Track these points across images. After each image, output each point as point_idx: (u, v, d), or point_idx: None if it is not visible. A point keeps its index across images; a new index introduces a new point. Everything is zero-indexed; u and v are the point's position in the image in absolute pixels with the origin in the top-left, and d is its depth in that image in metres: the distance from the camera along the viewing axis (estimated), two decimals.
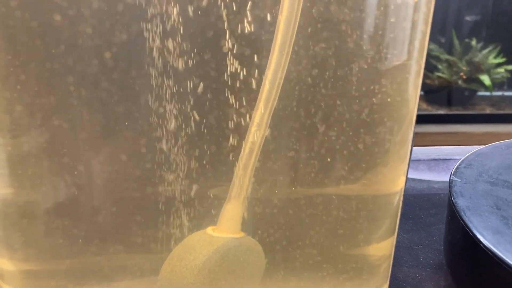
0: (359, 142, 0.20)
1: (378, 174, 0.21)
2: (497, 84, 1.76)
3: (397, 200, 0.22)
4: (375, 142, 0.20)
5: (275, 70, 0.18)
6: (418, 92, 0.21)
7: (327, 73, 0.19)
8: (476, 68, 1.65)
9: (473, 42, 1.68)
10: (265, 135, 0.19)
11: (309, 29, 0.18)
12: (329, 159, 0.19)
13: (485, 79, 1.63)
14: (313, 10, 0.18)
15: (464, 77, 1.67)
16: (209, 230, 0.19)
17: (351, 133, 0.20)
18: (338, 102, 0.19)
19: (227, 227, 0.19)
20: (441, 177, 0.44)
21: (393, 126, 0.20)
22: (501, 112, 1.74)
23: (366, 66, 0.19)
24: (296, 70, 0.19)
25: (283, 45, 0.18)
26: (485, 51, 1.67)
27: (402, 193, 0.22)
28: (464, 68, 1.65)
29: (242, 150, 0.19)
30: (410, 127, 0.21)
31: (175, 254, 0.18)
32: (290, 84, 0.19)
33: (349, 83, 0.19)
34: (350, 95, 0.19)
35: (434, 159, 0.46)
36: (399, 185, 0.22)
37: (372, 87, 0.19)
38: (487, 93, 1.73)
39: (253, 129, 0.19)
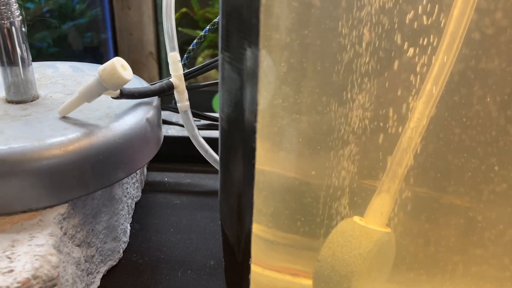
0: None
1: None
2: None
3: None
4: None
5: (441, 65, 0.18)
6: None
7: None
8: None
9: None
10: (423, 132, 0.19)
11: None
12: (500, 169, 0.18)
13: None
14: None
15: None
16: (357, 219, 0.19)
17: None
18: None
19: (377, 219, 0.19)
20: None
21: None
22: None
23: None
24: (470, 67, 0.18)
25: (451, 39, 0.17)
26: None
27: None
28: None
29: (397, 144, 0.19)
30: None
31: (334, 239, 0.18)
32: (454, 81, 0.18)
33: None
34: None
35: None
36: None
37: None
38: None
39: (411, 124, 0.19)
